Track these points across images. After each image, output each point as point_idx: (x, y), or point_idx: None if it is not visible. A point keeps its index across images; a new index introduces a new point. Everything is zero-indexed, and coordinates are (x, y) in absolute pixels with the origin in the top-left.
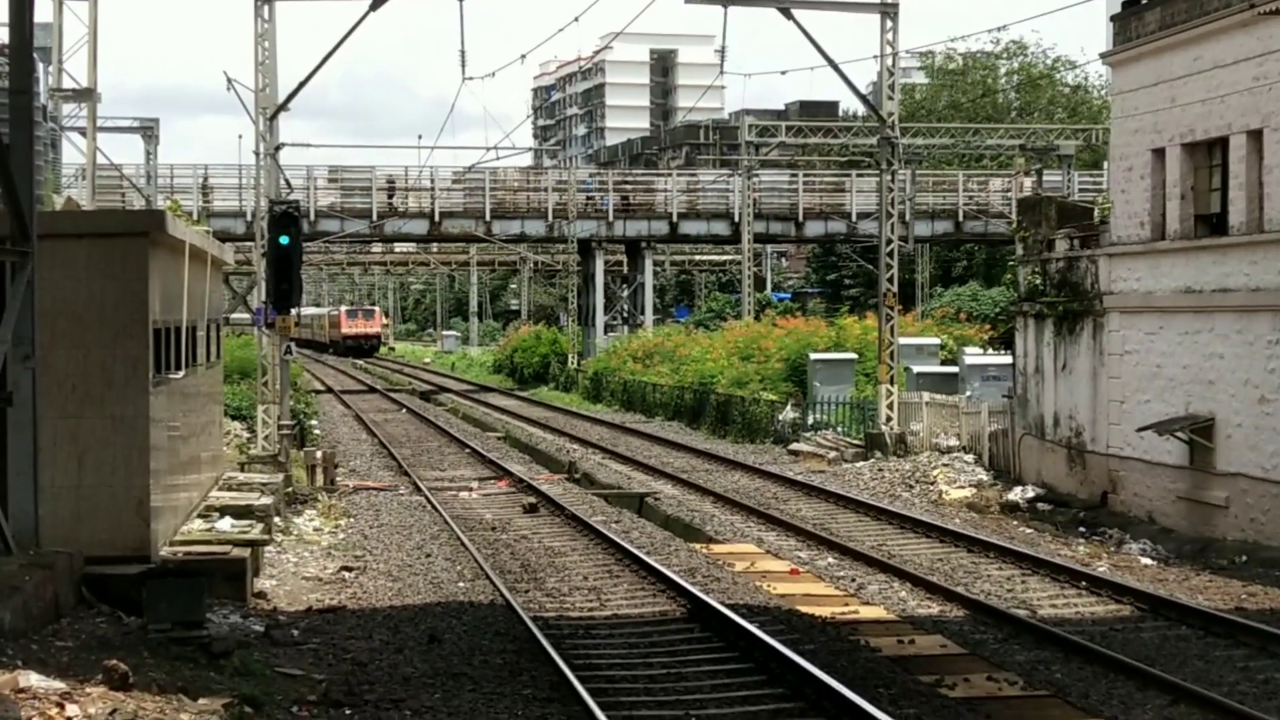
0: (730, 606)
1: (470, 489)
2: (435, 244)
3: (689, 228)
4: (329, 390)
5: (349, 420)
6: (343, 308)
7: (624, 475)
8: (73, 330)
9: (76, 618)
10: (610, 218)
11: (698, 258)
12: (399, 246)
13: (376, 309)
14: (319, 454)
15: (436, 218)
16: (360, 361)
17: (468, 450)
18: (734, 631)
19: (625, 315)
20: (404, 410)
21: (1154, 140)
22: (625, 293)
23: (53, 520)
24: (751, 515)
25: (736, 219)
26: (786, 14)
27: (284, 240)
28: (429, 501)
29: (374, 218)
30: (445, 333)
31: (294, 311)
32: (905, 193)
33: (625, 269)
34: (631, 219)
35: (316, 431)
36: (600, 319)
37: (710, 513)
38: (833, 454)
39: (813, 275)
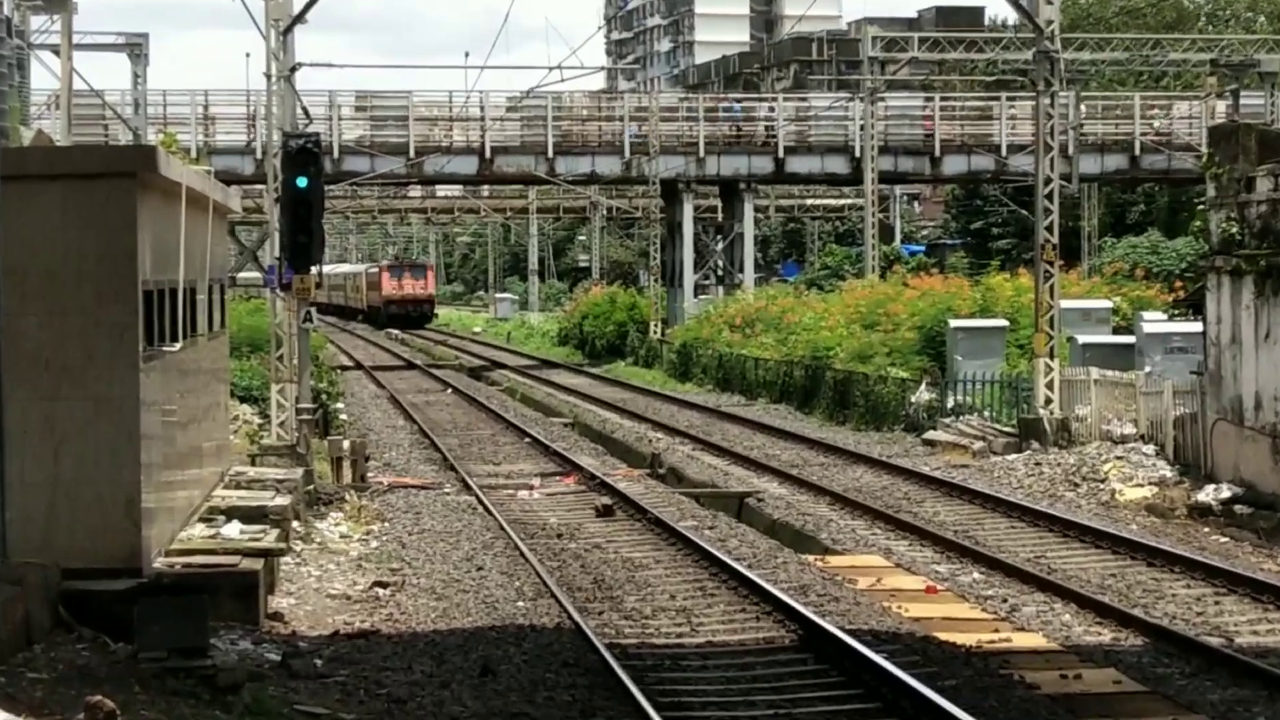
0: (852, 632)
1: (531, 487)
2: (486, 187)
3: (798, 165)
4: (358, 366)
5: (382, 403)
6: (383, 263)
7: (719, 471)
8: (46, 292)
9: (52, 643)
10: (701, 153)
11: (809, 202)
12: (442, 190)
13: (429, 264)
14: (346, 444)
15: (488, 154)
16: (396, 332)
17: (527, 439)
18: (857, 663)
19: (719, 273)
20: (449, 390)
21: None
22: (719, 245)
23: (23, 524)
24: (877, 520)
25: (857, 154)
26: None
27: (302, 182)
28: (480, 502)
29: (411, 154)
30: (499, 295)
31: (315, 270)
32: (1068, 121)
33: (719, 216)
34: (727, 154)
35: (343, 417)
36: (689, 278)
37: (826, 517)
38: (978, 444)
39: (952, 223)
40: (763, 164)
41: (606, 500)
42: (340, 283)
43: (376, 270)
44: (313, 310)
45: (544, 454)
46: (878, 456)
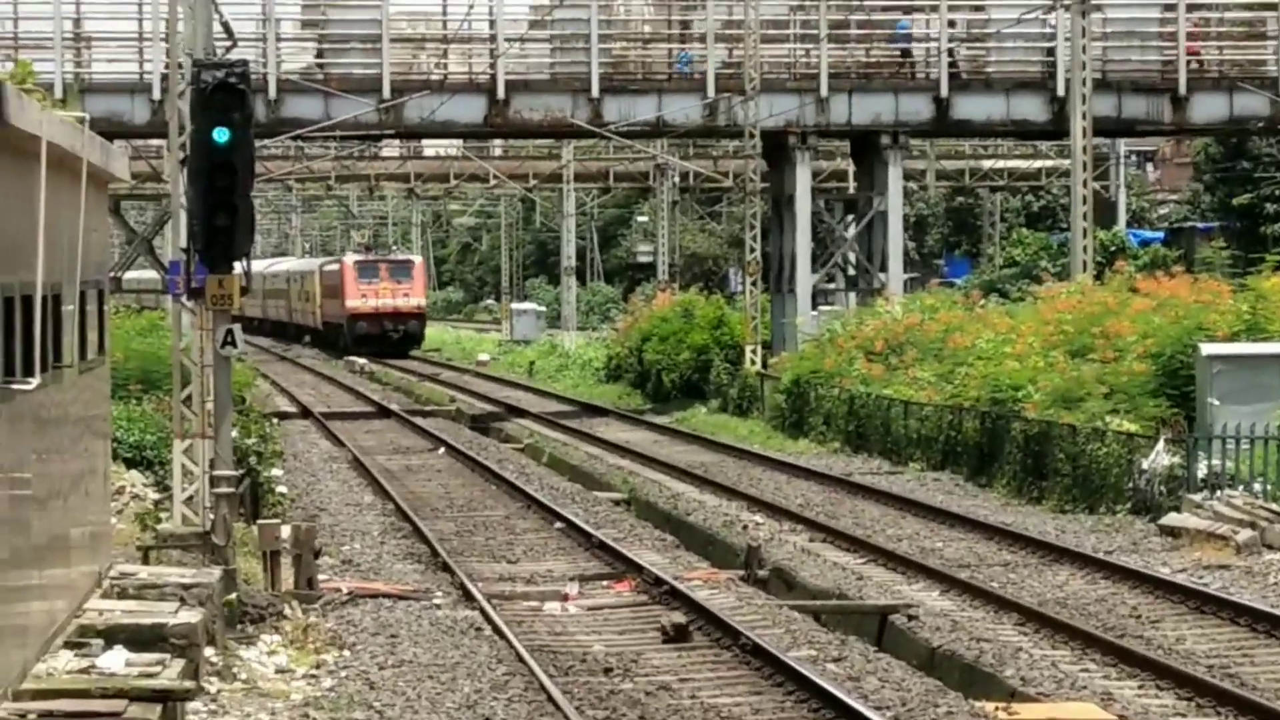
0: None
1: (564, 597)
2: (498, 142)
3: (968, 107)
4: (304, 413)
5: (340, 469)
6: (348, 258)
7: (849, 574)
8: None
9: None
10: (823, 90)
11: (987, 165)
12: (431, 147)
13: (417, 261)
14: (287, 531)
15: (501, 93)
16: (362, 362)
17: (557, 524)
18: None
19: (850, 273)
20: (440, 450)
21: None
22: (850, 231)
23: None
24: (1091, 648)
25: (1060, 91)
26: None
27: (222, 136)
28: (487, 620)
29: (385, 93)
30: (517, 307)
31: (240, 268)
32: None
33: (851, 187)
34: (862, 92)
35: (282, 490)
36: (805, 280)
37: (1013, 643)
38: (1244, 534)
39: (1205, 196)
40: (916, 106)
41: (679, 618)
42: (281, 287)
43: (337, 268)
44: (236, 330)
45: (584, 547)
46: (1090, 552)
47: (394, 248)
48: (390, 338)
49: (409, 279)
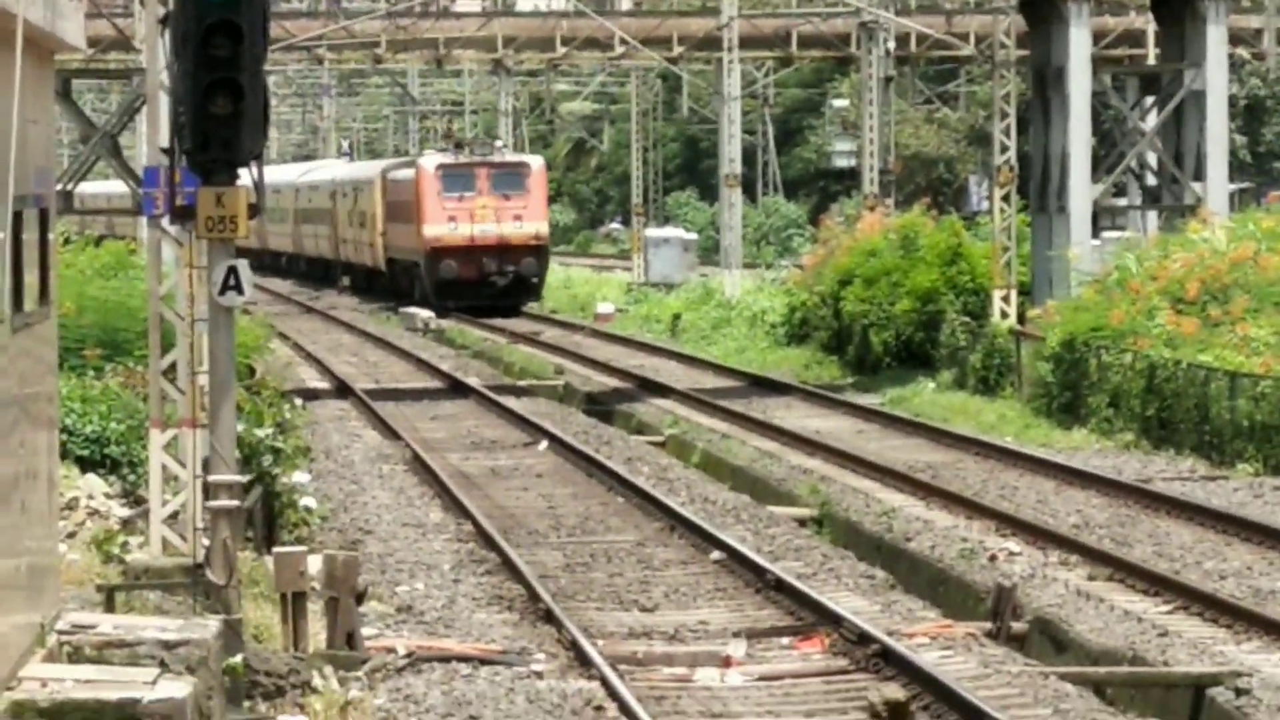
0: None
1: (727, 661)
2: None
3: None
4: (342, 389)
5: (395, 470)
6: (429, 159)
7: (1147, 626)
8: None
9: None
10: None
11: None
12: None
13: (535, 164)
14: (315, 563)
15: None
16: (427, 314)
17: (715, 554)
18: None
19: (1148, 183)
20: (543, 445)
21: None
22: (1149, 121)
23: None
24: None
25: None
26: None
27: None
28: (611, 696)
29: None
30: (656, 232)
31: (248, 176)
32: None
33: (1153, 54)
34: None
35: (309, 503)
36: (1082, 192)
37: None
38: None
39: None
40: None
41: (895, 692)
42: (321, 205)
43: (411, 176)
44: (243, 268)
45: (754, 587)
46: None
47: (500, 144)
48: (494, 284)
49: (522, 192)
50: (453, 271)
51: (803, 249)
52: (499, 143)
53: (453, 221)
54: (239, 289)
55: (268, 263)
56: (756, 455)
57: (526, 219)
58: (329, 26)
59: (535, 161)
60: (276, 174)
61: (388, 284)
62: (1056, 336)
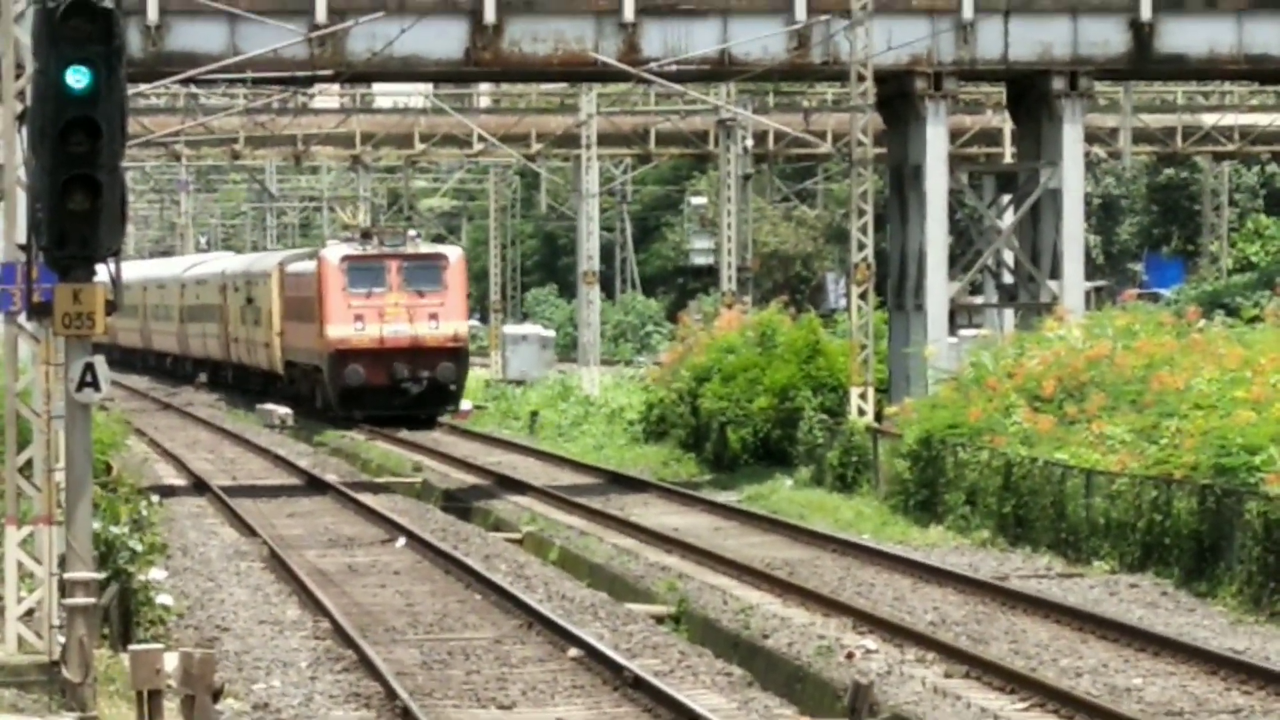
0: None
1: None
2: (485, 87)
3: (1181, 35)
4: (199, 486)
5: (251, 567)
6: (334, 249)
7: None
8: None
9: None
10: (966, 10)
11: (1207, 119)
12: (385, 94)
13: (452, 255)
14: (172, 660)
15: (490, 15)
16: (282, 412)
17: (573, 651)
18: None
19: (1004, 280)
20: (400, 542)
21: None
22: (1005, 219)
23: None
24: None
25: None
26: None
27: (79, 80)
28: None
29: (319, 17)
30: (514, 329)
31: (105, 272)
32: None
33: (1009, 153)
34: (1024, 14)
35: (166, 600)
36: (938, 290)
37: None
38: None
39: None
40: (1104, 34)
41: None
42: (207, 301)
43: (312, 269)
44: (100, 364)
45: (612, 685)
46: None
47: (413, 234)
48: (406, 392)
49: (438, 288)
50: (360, 377)
51: (661, 346)
52: (412, 232)
53: (360, 321)
54: (95, 385)
55: (152, 363)
56: (614, 552)
57: (443, 318)
58: (187, 123)
59: (453, 253)
60: (160, 268)
61: (285, 389)
62: (913, 434)
